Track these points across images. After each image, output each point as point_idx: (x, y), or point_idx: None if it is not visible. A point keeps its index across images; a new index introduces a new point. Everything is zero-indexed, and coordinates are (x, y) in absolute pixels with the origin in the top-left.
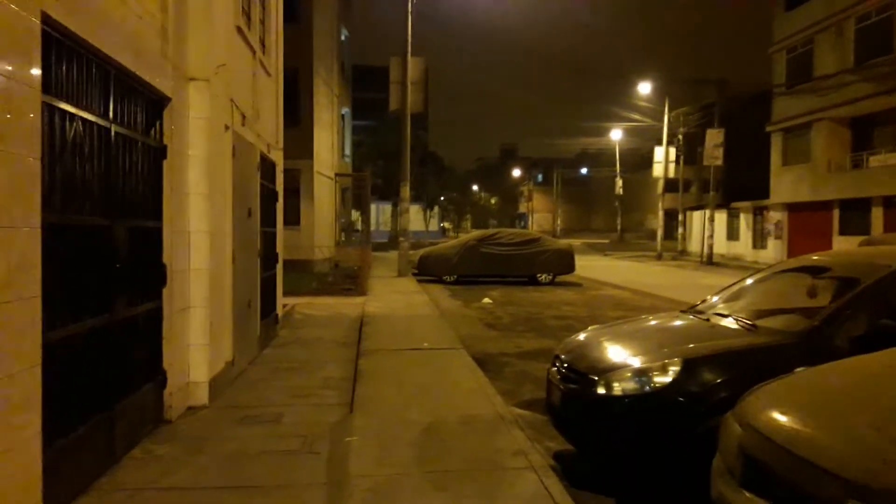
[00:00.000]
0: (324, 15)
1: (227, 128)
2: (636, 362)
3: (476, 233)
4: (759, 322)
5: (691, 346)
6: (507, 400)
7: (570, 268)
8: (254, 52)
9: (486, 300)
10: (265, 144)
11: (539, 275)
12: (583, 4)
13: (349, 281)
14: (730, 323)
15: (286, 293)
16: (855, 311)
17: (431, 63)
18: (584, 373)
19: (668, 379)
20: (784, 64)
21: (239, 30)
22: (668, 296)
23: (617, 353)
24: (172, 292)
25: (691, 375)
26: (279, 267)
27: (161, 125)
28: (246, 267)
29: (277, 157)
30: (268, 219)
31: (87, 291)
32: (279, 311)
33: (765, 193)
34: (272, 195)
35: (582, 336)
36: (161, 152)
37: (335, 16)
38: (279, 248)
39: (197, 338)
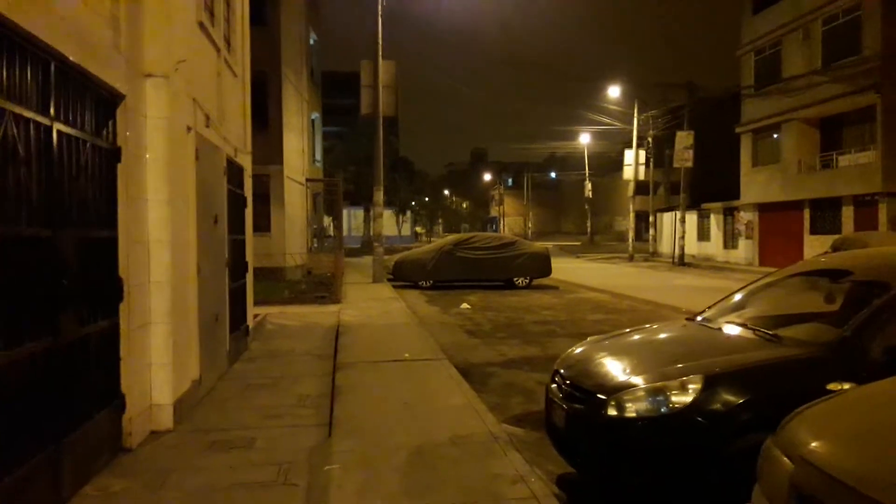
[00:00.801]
0: (292, 18)
1: (189, 129)
2: (650, 380)
3: (451, 237)
4: (780, 332)
5: (710, 360)
6: (497, 415)
7: (547, 271)
8: (218, 51)
9: (465, 305)
10: (232, 148)
11: (516, 279)
12: (553, 9)
13: (322, 288)
14: (746, 333)
15: (257, 302)
16: (891, 317)
17: (400, 68)
18: (591, 391)
19: (688, 399)
20: (752, 66)
21: (202, 25)
22: (645, 297)
23: (626, 368)
24: (130, 308)
25: (714, 394)
26: (249, 276)
27: (114, 125)
28: (212, 278)
29: (245, 161)
30: (236, 226)
31: (26, 312)
32: (250, 322)
33: (734, 195)
34: (241, 201)
35: (583, 348)
36: (114, 154)
37: (303, 19)
38: (249, 257)
39: (159, 356)
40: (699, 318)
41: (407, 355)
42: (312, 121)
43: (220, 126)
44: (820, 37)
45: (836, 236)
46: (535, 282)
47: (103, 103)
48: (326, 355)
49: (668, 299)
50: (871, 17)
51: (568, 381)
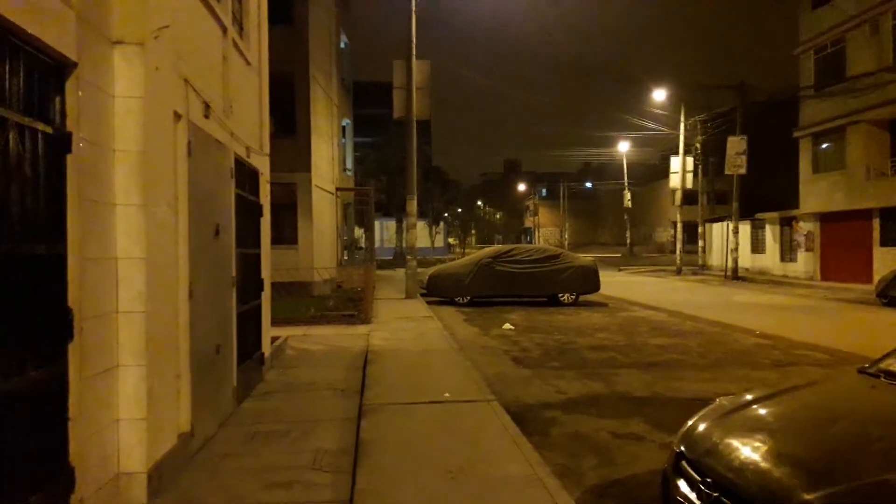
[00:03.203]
0: (321, 18)
1: (178, 116)
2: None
3: (490, 249)
4: None
5: None
6: (569, 486)
7: (595, 286)
8: (224, 30)
9: (507, 326)
10: (243, 147)
11: (561, 294)
12: (591, 8)
13: (351, 305)
14: None
15: (280, 322)
16: None
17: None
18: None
19: None
20: (812, 65)
21: None
22: (708, 317)
23: (805, 465)
24: (85, 348)
25: None
26: (265, 296)
27: (62, 104)
28: (212, 301)
29: (261, 163)
30: (248, 238)
31: None
32: (266, 348)
33: (787, 204)
34: (254, 209)
35: (717, 420)
36: (61, 142)
37: (333, 20)
38: (265, 273)
39: (129, 410)
40: (883, 371)
41: (447, 395)
42: (343, 127)
43: (225, 119)
44: (891, 31)
45: None
46: (581, 298)
47: (45, 75)
48: (352, 390)
49: (735, 319)
50: None
51: (709, 480)
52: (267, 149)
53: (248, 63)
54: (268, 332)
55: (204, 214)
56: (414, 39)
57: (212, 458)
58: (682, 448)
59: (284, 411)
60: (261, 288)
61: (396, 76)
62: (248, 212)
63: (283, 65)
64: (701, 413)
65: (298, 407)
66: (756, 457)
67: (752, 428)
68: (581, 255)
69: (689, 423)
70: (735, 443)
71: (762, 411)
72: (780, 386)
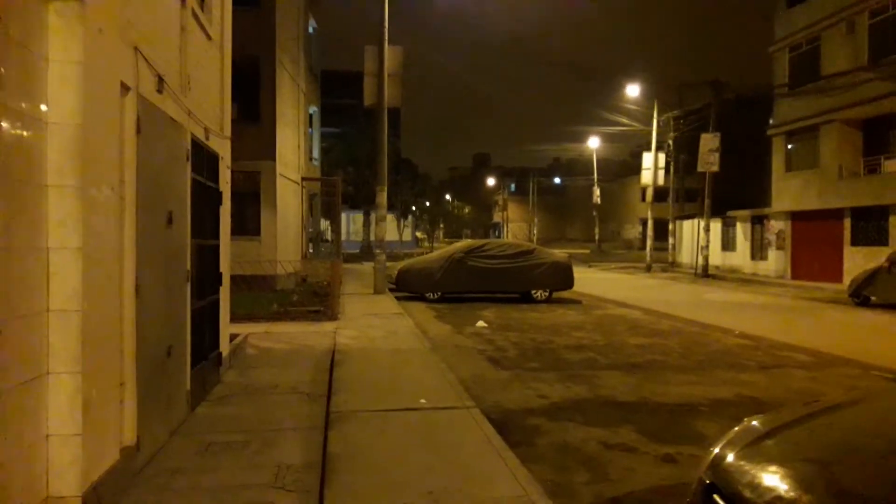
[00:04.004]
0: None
1: (126, 88)
2: None
3: (462, 243)
4: None
5: None
6: None
7: (569, 283)
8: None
9: (481, 324)
10: (201, 128)
11: (534, 291)
12: (562, 4)
13: (317, 300)
14: None
15: (240, 318)
16: None
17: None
18: None
19: None
20: (786, 63)
21: None
22: (685, 315)
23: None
24: (5, 354)
25: None
26: (224, 290)
27: None
28: (164, 297)
29: (222, 147)
30: (205, 227)
31: None
32: (224, 347)
33: (754, 203)
34: (213, 196)
35: (754, 448)
36: None
37: (302, 3)
38: (224, 266)
39: (61, 424)
40: None
41: (423, 401)
42: (310, 115)
43: (182, 96)
44: (866, 30)
45: (883, 248)
46: (555, 295)
47: None
48: (318, 394)
49: (711, 318)
50: None
51: None
52: (228, 131)
53: (210, 38)
54: (226, 329)
55: (155, 200)
56: (386, 24)
57: (160, 474)
58: (712, 479)
59: (243, 418)
60: (219, 282)
61: (368, 62)
62: (205, 199)
63: (248, 47)
64: (728, 437)
65: (259, 413)
66: (811, 497)
67: (796, 457)
68: (555, 250)
69: (717, 449)
70: (780, 476)
71: (803, 437)
72: (820, 402)
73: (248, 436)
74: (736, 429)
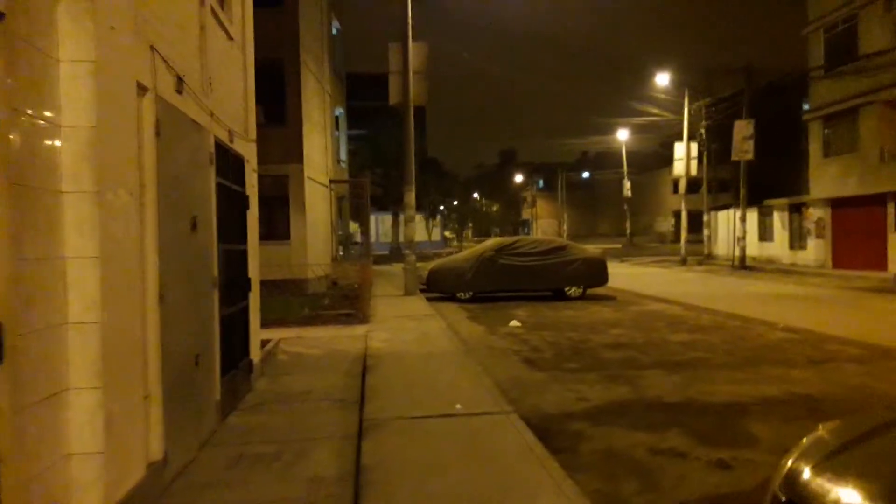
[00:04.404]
0: (310, 1)
1: (143, 89)
2: None
3: (492, 241)
4: None
5: None
6: None
7: (603, 279)
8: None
9: (514, 323)
10: (225, 130)
11: (567, 288)
12: None
13: (348, 303)
14: None
15: (271, 323)
16: None
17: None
18: None
19: None
20: (822, 44)
21: None
22: (725, 309)
23: None
24: (21, 371)
25: None
26: (254, 296)
27: None
28: (190, 305)
29: (247, 150)
30: (232, 232)
31: None
32: (255, 354)
33: (789, 190)
34: (239, 200)
35: (833, 462)
36: None
37: (325, 4)
38: (253, 271)
39: (82, 442)
40: None
41: (459, 406)
42: (336, 117)
43: (203, 97)
44: None
45: None
46: (588, 291)
47: None
48: (351, 401)
49: (753, 311)
50: None
51: None
52: (253, 134)
53: (231, 38)
54: (257, 335)
55: (177, 205)
56: (410, 20)
57: (190, 489)
58: (789, 497)
59: (275, 427)
60: (248, 287)
61: (392, 60)
62: (231, 203)
63: (272, 49)
64: (801, 448)
65: (291, 422)
66: None
67: (883, 474)
68: (587, 246)
69: (789, 463)
70: (868, 496)
71: (888, 448)
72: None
73: (280, 446)
74: (808, 439)
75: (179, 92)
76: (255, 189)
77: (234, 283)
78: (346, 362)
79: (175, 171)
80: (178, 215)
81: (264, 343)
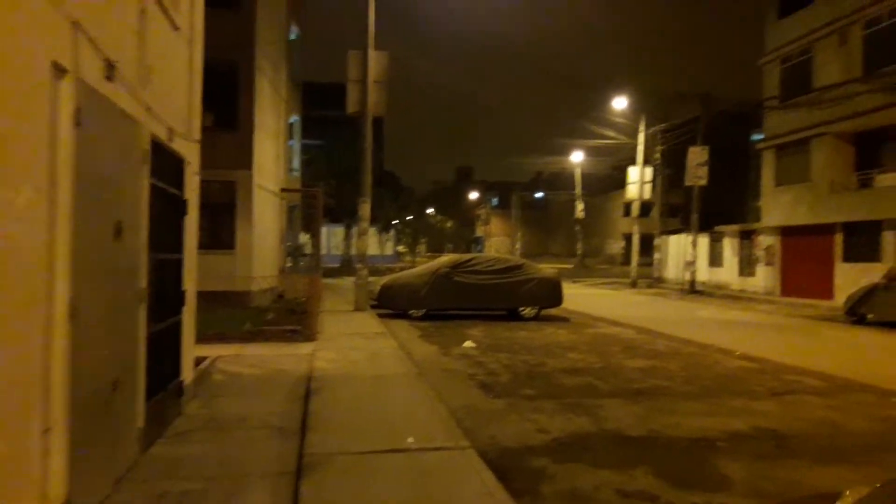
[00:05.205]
0: (269, 3)
1: (61, 70)
2: None
3: (448, 258)
4: None
5: None
6: None
7: (558, 300)
8: None
9: (469, 344)
10: (164, 127)
11: (522, 308)
12: (551, 16)
13: (294, 318)
14: None
15: (207, 339)
16: None
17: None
18: None
19: None
20: (777, 75)
21: None
22: (680, 335)
23: None
24: None
25: None
26: (188, 310)
27: None
28: (109, 322)
29: (189, 151)
30: (166, 240)
31: None
32: (187, 374)
33: (739, 217)
34: (176, 205)
35: None
36: None
37: (283, 8)
38: (188, 283)
39: None
40: None
41: (411, 440)
42: (291, 124)
43: (139, 88)
44: (860, 42)
45: (875, 264)
46: (543, 312)
47: None
48: (291, 430)
49: (708, 337)
50: None
51: None
52: (197, 134)
53: (176, 27)
54: (190, 354)
55: (100, 207)
56: (372, 27)
57: None
58: None
59: (204, 459)
60: (181, 301)
61: (351, 67)
62: (167, 208)
63: (226, 51)
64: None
65: (223, 453)
66: None
67: None
68: (541, 265)
69: None
70: None
71: None
72: None
73: (208, 483)
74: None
75: (109, 79)
76: (196, 194)
77: (165, 295)
78: (289, 384)
79: (99, 168)
80: (99, 219)
81: (199, 361)
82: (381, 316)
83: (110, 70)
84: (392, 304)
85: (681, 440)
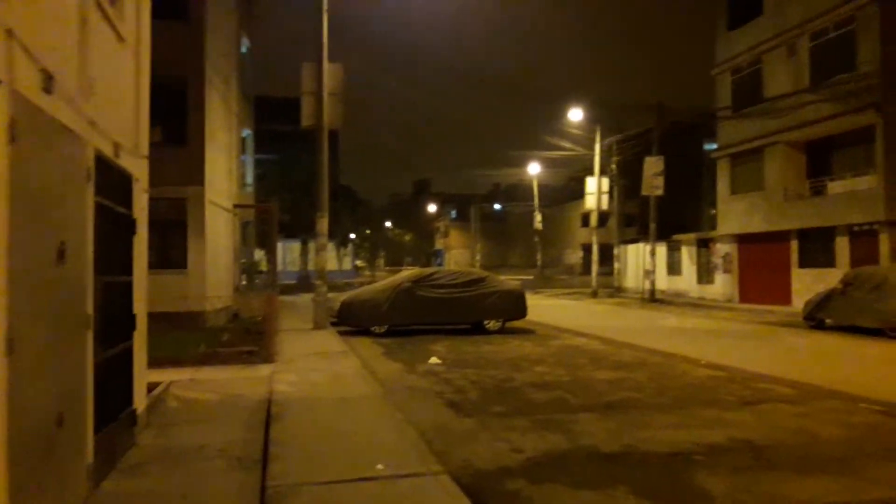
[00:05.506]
0: (219, 16)
1: None
2: None
3: (410, 272)
4: None
5: None
6: None
7: (522, 312)
8: None
9: (434, 360)
10: (109, 142)
11: (486, 322)
12: (502, 24)
13: (251, 339)
14: None
15: (160, 363)
16: None
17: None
18: None
19: None
20: (729, 86)
21: None
22: (644, 344)
23: None
24: None
25: None
26: (139, 334)
27: None
28: (52, 353)
29: (137, 167)
30: (114, 262)
31: None
32: (139, 402)
33: (693, 226)
34: (124, 224)
35: None
36: None
37: (234, 20)
38: (139, 306)
39: None
40: None
41: (380, 466)
42: (243, 139)
43: (81, 101)
44: (807, 53)
45: (830, 270)
46: (507, 325)
47: None
48: (252, 459)
49: (672, 346)
50: (867, 29)
51: None
52: (145, 150)
53: (122, 38)
54: (143, 380)
55: (39, 228)
56: (325, 38)
57: None
58: None
59: (160, 495)
60: (132, 326)
61: (306, 80)
62: (115, 228)
63: (175, 65)
64: None
65: (178, 487)
66: None
67: None
68: (504, 277)
69: None
70: None
71: None
72: None
73: None
74: None
75: (48, 91)
76: (146, 212)
77: (114, 320)
78: (248, 410)
79: (37, 185)
80: (39, 241)
81: (152, 387)
82: (342, 333)
83: (48, 81)
84: (353, 320)
85: (657, 455)
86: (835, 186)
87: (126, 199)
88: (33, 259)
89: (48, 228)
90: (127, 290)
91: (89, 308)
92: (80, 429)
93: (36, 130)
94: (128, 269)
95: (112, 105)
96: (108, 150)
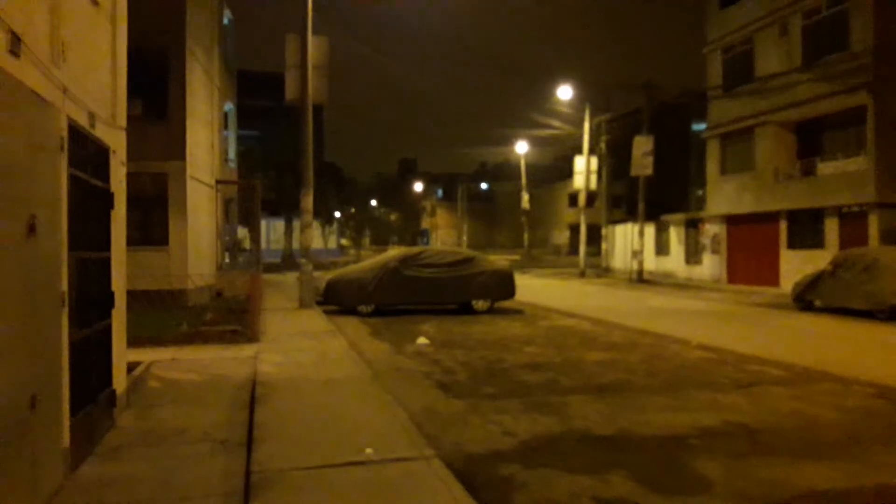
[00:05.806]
0: None
1: None
2: None
3: (397, 252)
4: None
5: None
6: None
7: (511, 292)
8: None
9: (423, 340)
10: (84, 111)
11: (475, 302)
12: (498, 3)
13: (234, 318)
14: None
15: (141, 343)
16: None
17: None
18: None
19: None
20: (720, 65)
21: None
22: (634, 325)
23: None
24: None
25: None
26: (117, 313)
27: None
28: (22, 332)
29: (115, 139)
30: (90, 237)
31: None
32: (118, 383)
33: (681, 207)
34: (101, 198)
35: None
36: None
37: None
38: (117, 284)
39: None
40: None
41: (370, 451)
42: (226, 113)
43: (52, 66)
44: (799, 32)
45: (819, 251)
46: (495, 305)
47: None
48: (236, 442)
49: (663, 327)
50: (861, 7)
51: None
52: (123, 120)
53: (96, 2)
54: (122, 360)
55: (7, 202)
56: (310, 8)
57: None
58: None
59: (140, 480)
60: (111, 304)
61: (290, 52)
62: (91, 201)
63: (155, 35)
64: None
65: (160, 471)
66: None
67: None
68: (495, 259)
69: None
70: None
71: None
72: None
73: None
74: None
75: (14, 53)
76: (124, 185)
77: (91, 298)
78: (231, 391)
79: (5, 156)
80: (7, 214)
81: (132, 367)
82: (328, 313)
83: (16, 44)
84: (339, 300)
85: (652, 438)
86: (825, 167)
87: (103, 171)
88: (2, 232)
89: (16, 201)
90: (105, 266)
91: (63, 285)
92: (55, 411)
93: (2, 95)
94: (105, 244)
95: (86, 72)
96: (82, 120)
